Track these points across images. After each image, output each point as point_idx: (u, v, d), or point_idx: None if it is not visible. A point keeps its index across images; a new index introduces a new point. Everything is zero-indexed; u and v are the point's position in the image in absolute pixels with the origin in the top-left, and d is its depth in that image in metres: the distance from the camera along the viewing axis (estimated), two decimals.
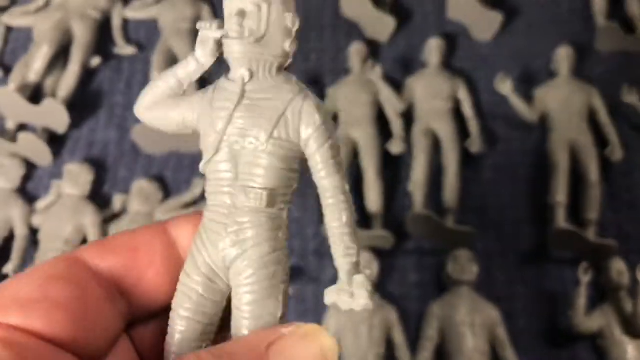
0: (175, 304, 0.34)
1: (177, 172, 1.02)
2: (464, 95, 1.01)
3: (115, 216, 0.98)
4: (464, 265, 0.88)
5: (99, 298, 0.32)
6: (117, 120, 1.06)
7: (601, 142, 0.97)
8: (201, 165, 0.34)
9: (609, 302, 0.86)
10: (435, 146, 0.98)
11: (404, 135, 0.99)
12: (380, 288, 0.90)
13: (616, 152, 0.95)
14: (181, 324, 0.34)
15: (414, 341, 0.87)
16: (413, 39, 1.09)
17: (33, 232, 0.98)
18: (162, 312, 0.35)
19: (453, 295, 0.88)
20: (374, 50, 1.07)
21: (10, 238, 0.97)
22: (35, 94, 1.05)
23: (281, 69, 0.35)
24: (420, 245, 0.94)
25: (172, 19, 1.11)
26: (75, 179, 0.98)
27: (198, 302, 0.34)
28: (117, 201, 0.99)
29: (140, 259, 0.34)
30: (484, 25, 1.07)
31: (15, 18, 1.15)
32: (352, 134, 0.98)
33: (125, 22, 1.15)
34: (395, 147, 0.98)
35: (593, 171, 0.94)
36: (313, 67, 1.07)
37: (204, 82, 0.37)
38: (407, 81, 1.03)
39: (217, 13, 1.14)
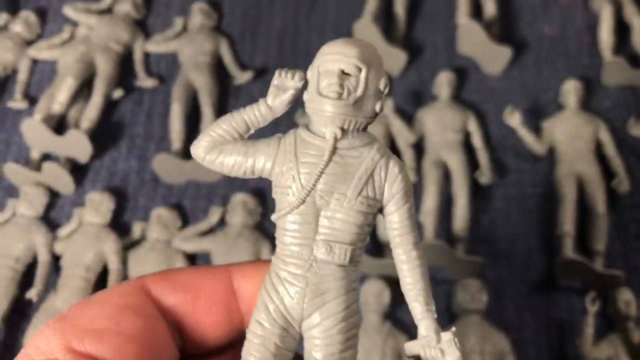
0: (247, 353, 0.34)
1: (194, 201, 1.05)
2: (473, 127, 1.04)
3: (135, 243, 1.02)
4: (474, 294, 0.90)
5: (164, 332, 0.33)
6: (137, 150, 1.10)
7: (608, 174, 0.99)
8: (275, 216, 0.35)
9: (617, 332, 0.88)
10: (446, 177, 1.01)
11: (415, 166, 1.02)
12: (392, 316, 0.92)
13: (623, 184, 0.97)
14: None
15: None
16: (424, 72, 1.12)
17: (55, 258, 1.01)
18: (206, 356, 0.36)
19: (463, 324, 0.89)
20: None
21: (33, 264, 1.00)
22: (59, 125, 1.09)
23: (367, 128, 0.35)
24: (431, 274, 0.95)
25: (191, 52, 1.15)
26: (97, 207, 1.02)
27: (275, 353, 0.34)
28: (137, 229, 1.02)
29: (202, 304, 0.35)
30: (494, 59, 1.10)
31: (41, 51, 1.20)
32: None
33: (147, 56, 1.20)
34: None
35: (600, 203, 0.95)
36: None
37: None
38: (417, 113, 1.06)
39: (236, 47, 1.18)
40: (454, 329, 0.35)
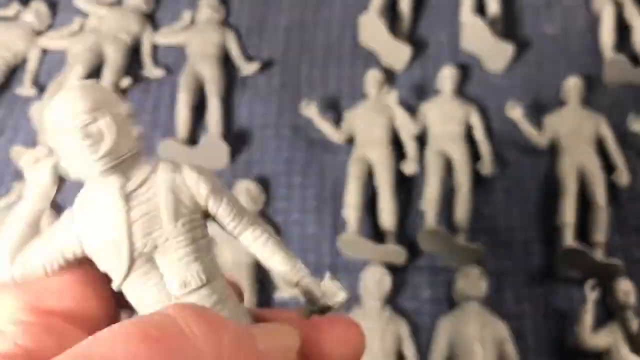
0: None
1: None
2: (475, 121, 1.05)
3: None
4: (474, 282, 0.91)
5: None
6: (143, 138, 1.11)
7: (608, 168, 1.00)
8: (116, 287, 0.31)
9: (616, 321, 0.88)
10: (447, 168, 1.02)
11: (417, 156, 1.03)
12: (393, 302, 0.93)
13: (623, 177, 0.98)
14: None
15: (425, 355, 0.89)
16: (427, 67, 1.14)
17: None
18: None
19: (463, 311, 0.90)
20: (389, 77, 1.12)
21: None
22: None
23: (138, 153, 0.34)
24: (432, 262, 0.97)
25: (199, 44, 1.17)
26: None
27: None
28: None
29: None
30: (496, 55, 1.11)
31: (52, 41, 1.22)
32: (367, 155, 1.02)
33: (155, 48, 1.21)
34: (409, 167, 1.01)
35: (600, 195, 0.97)
36: (331, 93, 1.12)
37: None
38: (421, 107, 1.08)
39: (243, 41, 1.20)
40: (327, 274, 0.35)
